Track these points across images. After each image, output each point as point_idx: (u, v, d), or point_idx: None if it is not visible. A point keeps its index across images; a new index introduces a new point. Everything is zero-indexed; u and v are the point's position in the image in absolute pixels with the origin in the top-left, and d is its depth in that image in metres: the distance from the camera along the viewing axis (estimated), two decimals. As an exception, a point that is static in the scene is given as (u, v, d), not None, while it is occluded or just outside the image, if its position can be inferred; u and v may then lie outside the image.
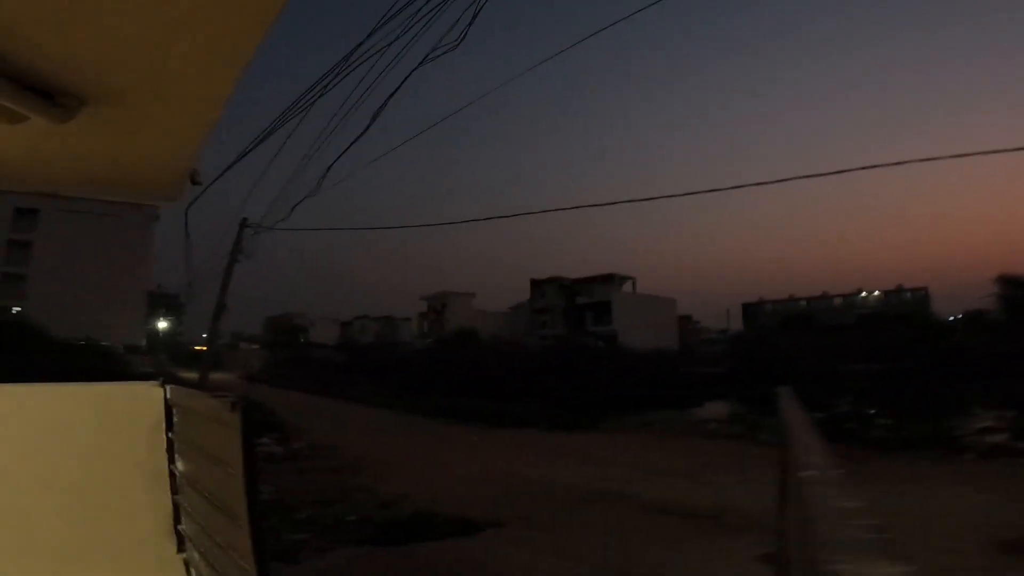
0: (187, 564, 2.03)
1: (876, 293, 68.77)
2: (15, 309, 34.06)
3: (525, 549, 4.91)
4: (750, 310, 71.31)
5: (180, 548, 2.05)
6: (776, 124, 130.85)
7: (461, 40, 5.34)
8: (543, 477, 8.01)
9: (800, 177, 20.94)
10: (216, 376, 24.02)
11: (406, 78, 9.88)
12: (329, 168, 13.03)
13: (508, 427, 14.38)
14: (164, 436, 2.08)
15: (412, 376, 28.92)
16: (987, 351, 21.44)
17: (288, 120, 8.34)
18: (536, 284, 56.18)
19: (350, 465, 9.36)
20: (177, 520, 2.06)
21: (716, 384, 24.11)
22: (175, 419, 2.07)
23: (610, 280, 51.24)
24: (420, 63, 6.06)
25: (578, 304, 51.38)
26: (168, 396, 2.10)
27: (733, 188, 20.38)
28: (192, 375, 20.74)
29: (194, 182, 1.77)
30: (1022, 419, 13.02)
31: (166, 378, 2.21)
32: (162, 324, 48.92)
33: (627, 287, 52.40)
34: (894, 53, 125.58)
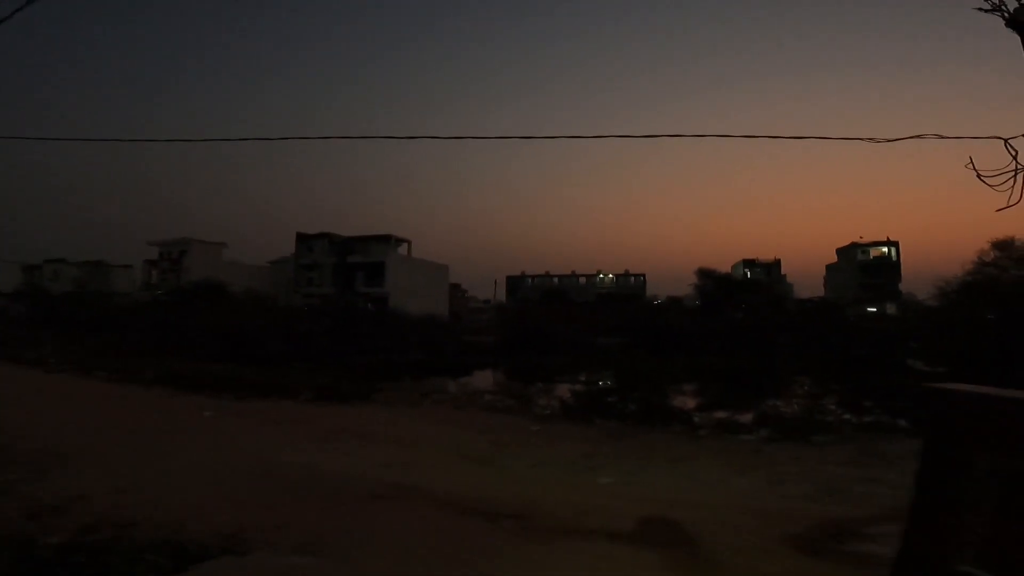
0: None
1: (611, 276, 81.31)
2: None
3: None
4: (513, 283, 77.33)
5: None
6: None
7: None
8: (309, 465, 6.60)
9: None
10: None
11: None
12: None
13: (264, 398, 12.20)
14: None
15: (132, 334, 23.31)
16: (686, 331, 26.71)
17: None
18: (303, 238, 51.25)
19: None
20: None
21: (485, 353, 25.08)
22: None
23: (386, 241, 49.51)
24: None
25: (350, 263, 48.55)
26: None
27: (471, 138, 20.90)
28: None
29: None
30: (714, 390, 16.25)
31: None
32: None
33: (403, 250, 51.40)
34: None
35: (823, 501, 4.62)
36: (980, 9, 7.99)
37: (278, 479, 6.04)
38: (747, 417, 10.30)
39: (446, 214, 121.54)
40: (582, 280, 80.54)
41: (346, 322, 25.44)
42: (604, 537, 3.99)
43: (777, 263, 65.80)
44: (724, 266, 52.27)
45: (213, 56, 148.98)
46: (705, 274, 38.50)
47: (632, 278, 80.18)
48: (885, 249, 59.46)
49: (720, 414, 10.57)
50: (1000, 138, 8.00)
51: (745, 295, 35.40)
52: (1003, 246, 15.45)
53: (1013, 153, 7.67)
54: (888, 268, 57.49)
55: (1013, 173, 7.59)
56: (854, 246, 60.24)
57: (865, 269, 58.49)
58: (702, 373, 17.69)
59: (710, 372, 17.92)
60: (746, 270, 60.45)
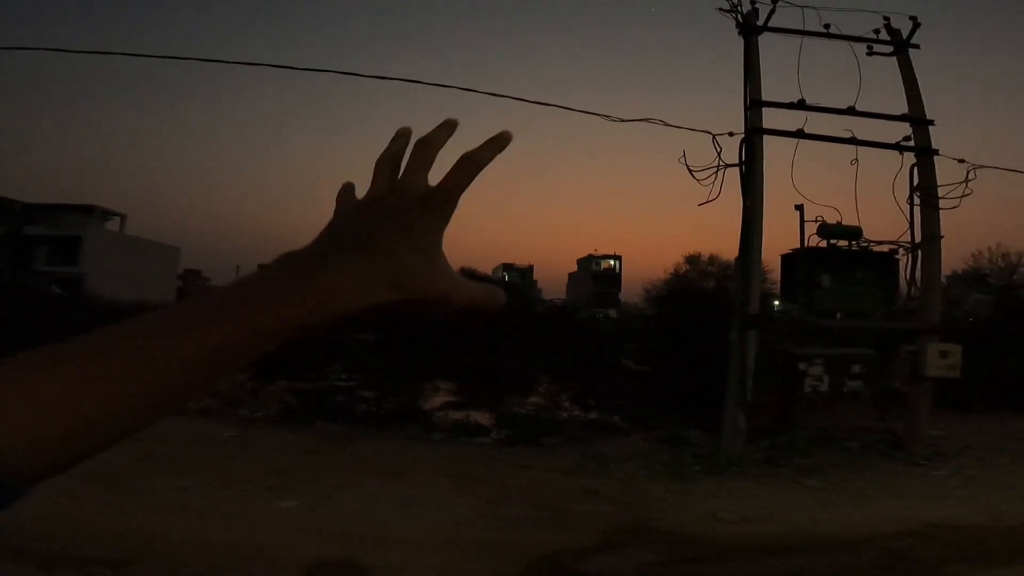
0: None
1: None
2: None
3: None
4: (265, 272, 69.34)
5: None
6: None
7: None
8: None
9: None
10: None
11: None
12: None
13: None
14: None
15: None
16: (444, 329, 26.79)
17: None
18: (-52, 198, 37.50)
19: None
20: None
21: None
22: None
23: (88, 211, 39.47)
24: None
25: (29, 235, 37.34)
26: None
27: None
28: None
29: None
30: (465, 390, 16.14)
31: None
32: None
33: (114, 225, 41.54)
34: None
35: (544, 526, 4.16)
36: (720, 10, 8.49)
37: None
38: (490, 417, 10.06)
39: (191, 192, 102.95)
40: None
41: (12, 307, 18.90)
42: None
43: (530, 268, 72.32)
44: (487, 268, 54.94)
45: None
46: (469, 275, 39.70)
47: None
48: (612, 261, 70.25)
49: (459, 415, 10.13)
50: (709, 132, 8.91)
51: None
52: (692, 260, 18.89)
53: (718, 149, 8.64)
54: (613, 278, 67.95)
55: (715, 169, 8.57)
56: (590, 257, 69.77)
57: (597, 278, 68.06)
58: (454, 372, 17.40)
59: (462, 371, 17.77)
60: (504, 273, 64.83)
